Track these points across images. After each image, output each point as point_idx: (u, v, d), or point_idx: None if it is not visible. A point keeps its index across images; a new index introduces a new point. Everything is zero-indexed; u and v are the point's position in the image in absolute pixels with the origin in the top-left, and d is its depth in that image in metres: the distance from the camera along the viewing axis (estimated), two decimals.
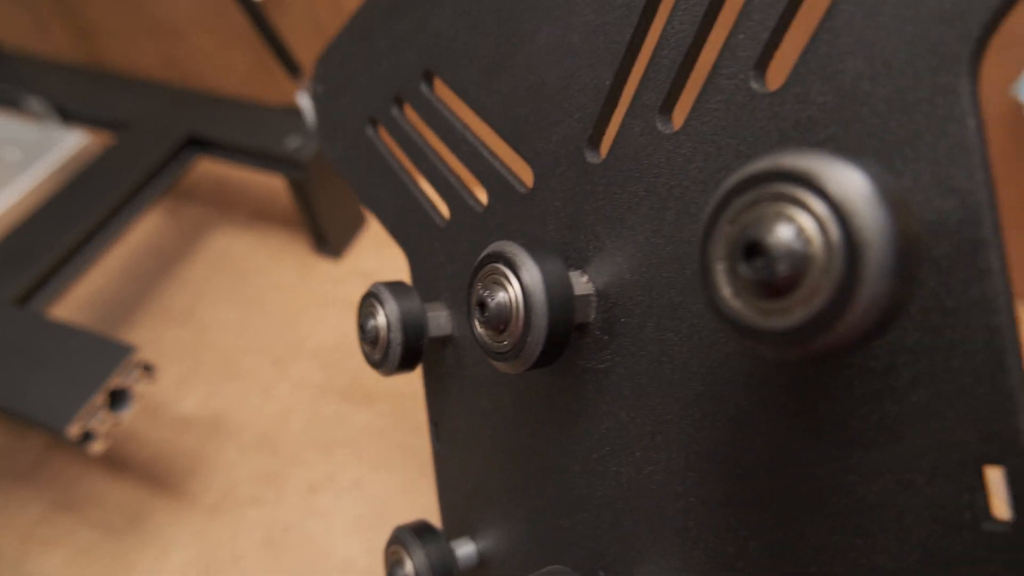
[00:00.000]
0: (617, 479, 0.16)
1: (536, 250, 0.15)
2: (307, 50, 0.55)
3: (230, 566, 0.40)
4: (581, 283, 0.16)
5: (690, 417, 0.14)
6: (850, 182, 0.09)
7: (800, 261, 0.09)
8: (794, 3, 0.12)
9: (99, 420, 0.35)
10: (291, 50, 0.52)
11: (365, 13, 0.23)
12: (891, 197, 0.09)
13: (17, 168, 0.53)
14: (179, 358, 0.50)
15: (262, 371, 0.49)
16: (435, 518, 0.24)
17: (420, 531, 0.20)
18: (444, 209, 0.21)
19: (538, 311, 0.14)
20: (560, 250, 0.17)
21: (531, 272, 0.15)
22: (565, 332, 0.15)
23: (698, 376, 0.14)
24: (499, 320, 0.15)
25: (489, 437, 0.20)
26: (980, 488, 0.10)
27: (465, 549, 0.21)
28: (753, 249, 0.10)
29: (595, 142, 0.16)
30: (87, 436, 0.35)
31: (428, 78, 0.21)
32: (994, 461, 0.10)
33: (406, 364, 0.20)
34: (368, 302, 0.20)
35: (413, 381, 0.48)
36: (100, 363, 0.36)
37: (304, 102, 0.51)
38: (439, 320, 0.21)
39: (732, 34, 0.13)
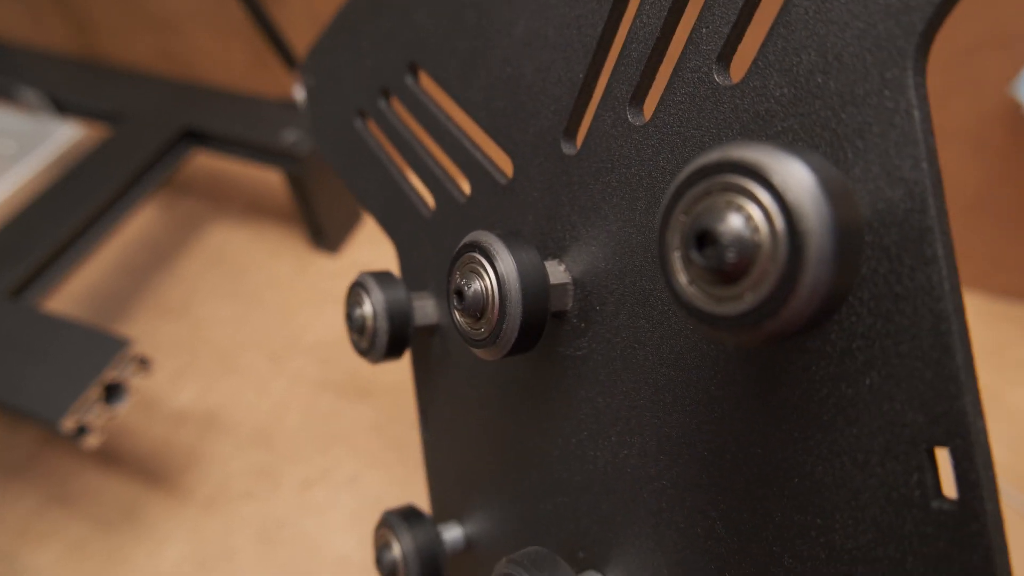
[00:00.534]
0: (595, 463, 0.16)
1: (511, 240, 0.15)
2: (305, 43, 0.54)
3: (224, 561, 0.40)
4: (558, 272, 0.16)
5: (661, 402, 0.14)
6: (794, 174, 0.09)
7: (748, 249, 0.10)
8: None
9: (94, 414, 0.35)
10: (289, 43, 0.52)
11: (352, 6, 0.24)
12: (833, 188, 0.09)
13: (11, 160, 0.53)
14: (174, 352, 0.50)
15: (258, 366, 0.49)
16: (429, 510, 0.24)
17: (408, 515, 0.20)
18: (430, 200, 0.21)
19: (513, 299, 0.15)
20: (538, 240, 0.17)
21: (506, 262, 0.15)
22: (540, 320, 0.15)
23: (668, 362, 0.14)
24: (475, 308, 0.15)
25: (474, 424, 0.20)
26: (929, 468, 0.10)
27: (452, 533, 0.21)
28: (704, 238, 0.10)
29: (571, 133, 0.16)
30: (82, 430, 0.35)
31: (413, 70, 0.21)
32: (940, 442, 0.10)
33: (392, 352, 0.20)
34: (355, 291, 0.21)
35: (409, 377, 0.48)
36: (95, 356, 0.36)
37: (301, 96, 0.51)
38: (425, 309, 0.21)
39: (696, 28, 0.13)
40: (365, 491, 0.42)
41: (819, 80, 0.11)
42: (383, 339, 0.20)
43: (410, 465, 0.42)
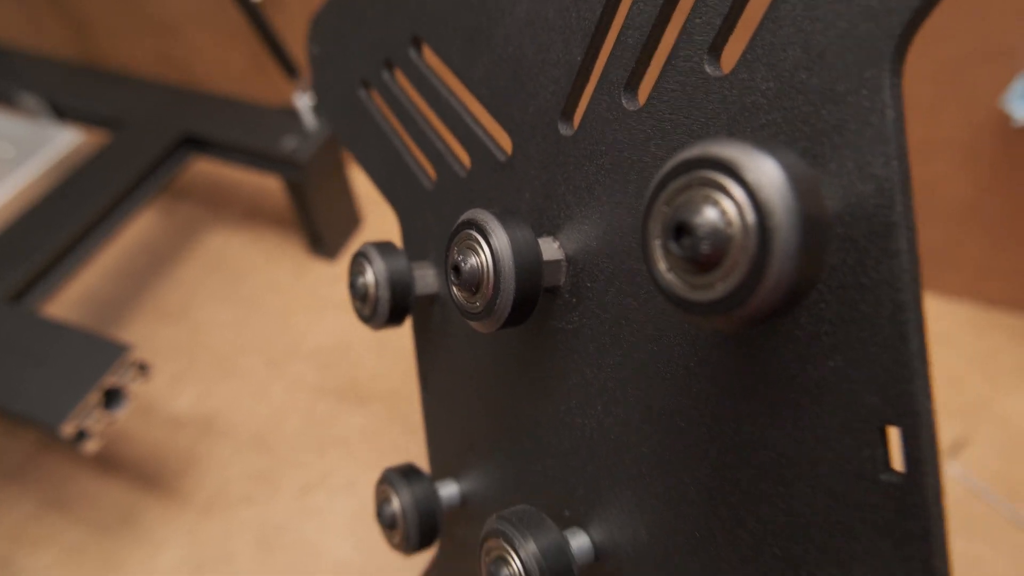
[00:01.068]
0: (582, 430, 0.17)
1: (507, 218, 0.16)
2: (305, 51, 0.55)
3: (222, 565, 0.40)
4: (552, 249, 0.17)
5: (644, 375, 0.15)
6: (766, 172, 0.10)
7: (721, 241, 0.10)
8: None
9: (93, 419, 0.35)
10: (288, 51, 0.52)
11: None
12: (803, 187, 0.10)
13: (10, 165, 0.53)
14: (173, 357, 0.50)
15: (256, 371, 0.49)
16: None
17: (407, 472, 0.21)
18: (431, 172, 0.22)
19: (506, 275, 0.15)
20: (535, 217, 0.17)
21: (500, 239, 0.16)
22: (533, 294, 0.16)
23: (651, 338, 0.15)
24: (471, 282, 0.16)
25: (471, 389, 0.21)
26: (880, 444, 0.11)
27: (448, 490, 0.22)
28: (682, 229, 0.11)
29: (568, 115, 0.17)
30: (81, 435, 0.35)
31: (417, 44, 0.22)
32: (892, 422, 0.11)
33: (394, 318, 0.21)
34: (358, 260, 0.22)
35: (407, 382, 0.48)
36: (95, 361, 0.36)
37: (301, 103, 0.51)
38: (426, 279, 0.22)
39: (690, 18, 0.13)
40: (363, 496, 0.42)
41: (803, 76, 0.11)
42: (385, 306, 0.21)
43: None
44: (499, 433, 0.20)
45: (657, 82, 0.14)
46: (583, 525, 0.17)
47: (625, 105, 0.15)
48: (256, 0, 0.49)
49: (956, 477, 0.44)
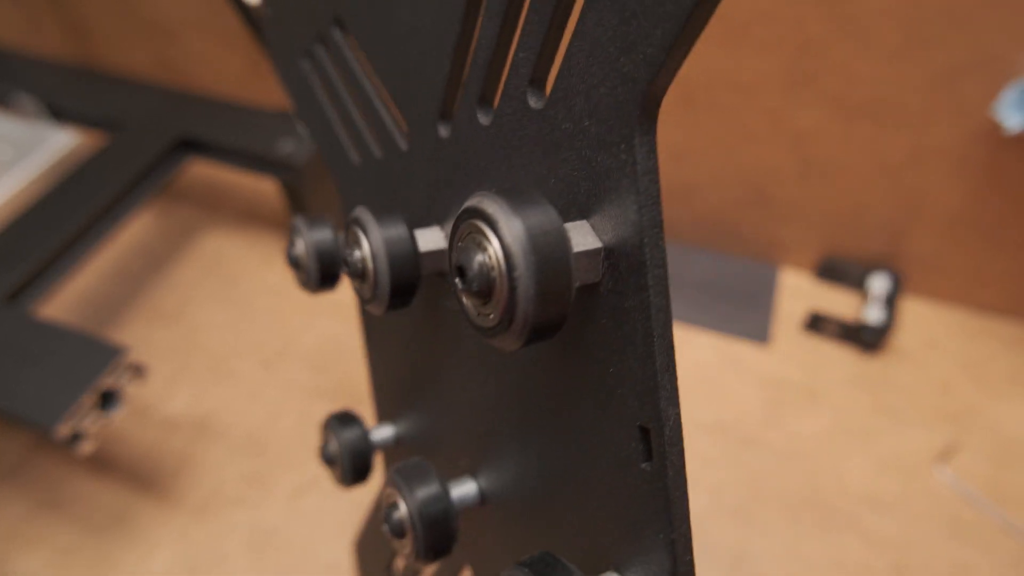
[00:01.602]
0: (471, 394, 0.20)
1: (383, 217, 0.18)
2: None
3: (215, 567, 0.40)
4: (439, 239, 0.18)
5: (492, 358, 0.18)
6: (513, 229, 0.12)
7: (488, 281, 0.12)
8: (553, 32, 0.13)
9: (89, 421, 0.35)
10: None
11: None
12: (545, 241, 0.12)
13: (7, 166, 0.53)
14: (168, 359, 0.51)
15: (251, 373, 0.50)
16: None
17: (344, 419, 0.25)
18: (355, 150, 0.23)
19: (382, 268, 0.17)
20: (425, 207, 0.19)
21: (375, 236, 0.17)
22: (411, 282, 0.18)
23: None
24: (356, 273, 0.18)
25: (401, 350, 0.24)
26: (641, 440, 0.13)
27: (384, 432, 0.25)
28: (461, 269, 0.13)
29: (446, 118, 0.18)
30: (76, 436, 0.35)
31: (340, 24, 0.22)
32: (645, 423, 0.13)
33: (325, 284, 0.23)
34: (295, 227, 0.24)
35: None
36: (90, 363, 0.36)
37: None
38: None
39: (516, 51, 0.14)
40: (355, 499, 0.42)
41: (586, 123, 0.13)
42: (315, 273, 0.23)
43: None
44: (423, 389, 0.23)
45: (498, 106, 0.15)
46: (473, 473, 0.20)
47: (480, 120, 0.16)
48: (253, 3, 0.49)
49: (947, 483, 0.45)
